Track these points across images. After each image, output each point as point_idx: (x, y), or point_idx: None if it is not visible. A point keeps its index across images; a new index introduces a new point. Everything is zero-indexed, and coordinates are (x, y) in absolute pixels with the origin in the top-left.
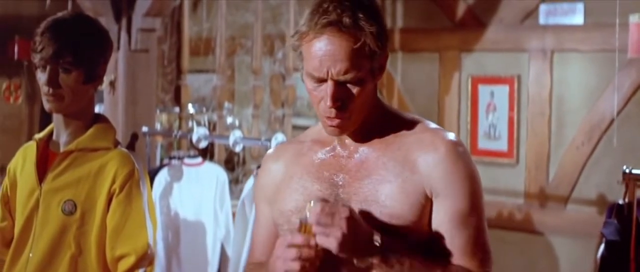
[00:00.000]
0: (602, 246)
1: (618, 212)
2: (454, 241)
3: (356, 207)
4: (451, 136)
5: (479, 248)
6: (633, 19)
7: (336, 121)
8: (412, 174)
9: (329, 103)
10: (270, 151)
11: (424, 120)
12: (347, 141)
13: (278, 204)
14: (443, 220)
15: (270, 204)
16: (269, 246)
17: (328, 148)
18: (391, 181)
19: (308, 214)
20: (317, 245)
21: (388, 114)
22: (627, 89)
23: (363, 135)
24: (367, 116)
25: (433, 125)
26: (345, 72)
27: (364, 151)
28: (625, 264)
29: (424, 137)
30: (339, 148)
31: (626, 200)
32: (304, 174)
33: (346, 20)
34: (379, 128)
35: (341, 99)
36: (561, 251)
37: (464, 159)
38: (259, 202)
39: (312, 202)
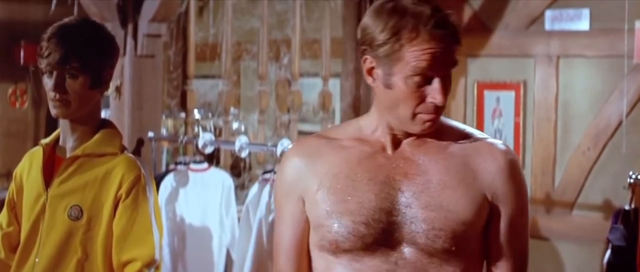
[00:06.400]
0: (609, 252)
1: (624, 218)
2: (511, 247)
3: (419, 212)
4: (505, 145)
5: (527, 252)
6: (639, 24)
7: (434, 116)
8: (474, 181)
9: (439, 99)
10: (293, 147)
11: (467, 127)
12: (402, 143)
13: (322, 205)
14: (503, 228)
15: (305, 202)
16: (296, 248)
17: (377, 149)
18: (454, 186)
19: None
20: None
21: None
22: (633, 94)
23: (415, 138)
24: None
25: (479, 132)
26: (448, 69)
27: (418, 154)
28: (631, 269)
29: (480, 146)
30: (390, 150)
31: (632, 206)
32: (352, 174)
33: (449, 20)
34: (430, 133)
35: None
36: (567, 256)
37: (520, 169)
38: (284, 201)
39: None
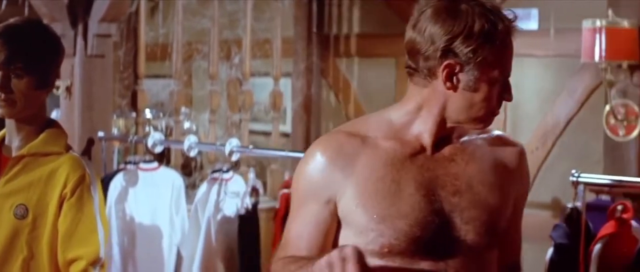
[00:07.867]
0: (551, 249)
1: (567, 216)
2: (518, 231)
3: (469, 211)
4: (513, 138)
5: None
6: (586, 24)
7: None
8: (504, 175)
9: (512, 95)
10: (322, 143)
11: None
12: (444, 141)
13: (370, 210)
14: (516, 215)
15: (338, 205)
16: (319, 248)
17: (416, 149)
18: (493, 182)
19: None
20: None
21: None
22: (580, 94)
23: (448, 136)
24: None
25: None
26: None
27: (455, 152)
28: (574, 267)
29: (499, 139)
30: (430, 150)
31: (575, 204)
32: (397, 177)
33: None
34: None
35: None
36: None
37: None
38: (308, 199)
39: None
